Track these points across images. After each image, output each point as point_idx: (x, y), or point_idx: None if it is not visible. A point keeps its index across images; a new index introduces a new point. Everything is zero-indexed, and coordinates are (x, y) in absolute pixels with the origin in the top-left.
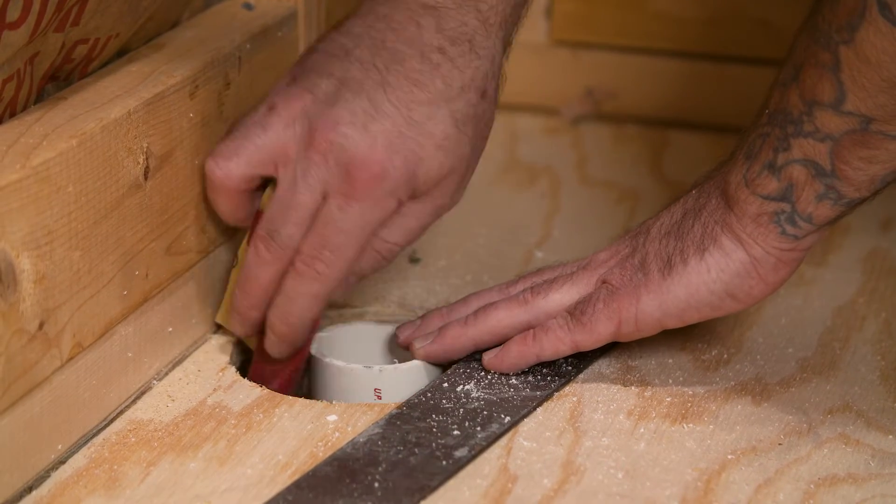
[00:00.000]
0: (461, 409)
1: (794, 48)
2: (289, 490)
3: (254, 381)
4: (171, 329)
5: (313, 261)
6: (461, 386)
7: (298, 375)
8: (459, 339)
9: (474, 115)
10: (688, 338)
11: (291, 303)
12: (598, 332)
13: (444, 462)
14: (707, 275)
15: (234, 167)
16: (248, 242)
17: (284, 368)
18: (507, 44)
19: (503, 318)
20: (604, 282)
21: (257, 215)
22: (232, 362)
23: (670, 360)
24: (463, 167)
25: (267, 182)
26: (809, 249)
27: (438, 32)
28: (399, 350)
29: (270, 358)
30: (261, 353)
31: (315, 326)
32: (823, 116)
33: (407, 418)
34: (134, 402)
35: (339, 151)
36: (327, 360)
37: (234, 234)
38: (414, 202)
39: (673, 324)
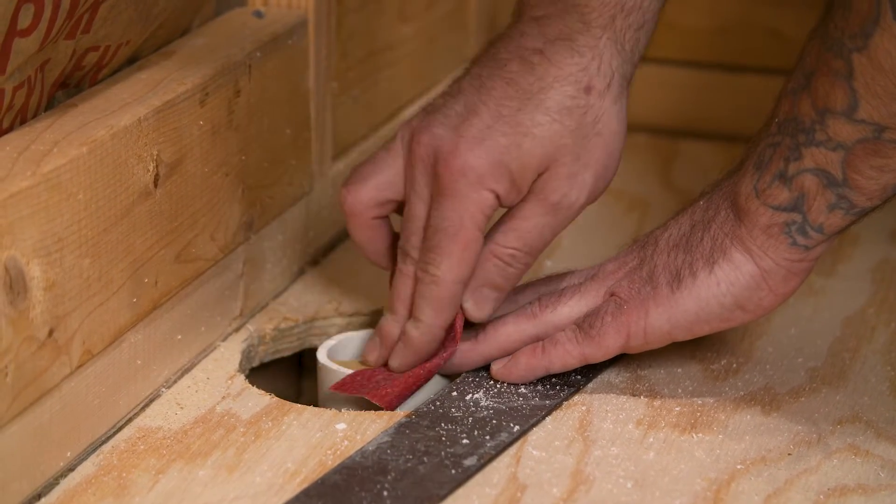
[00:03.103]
0: (470, 418)
1: (804, 55)
2: (297, 498)
3: (349, 386)
4: (180, 337)
5: (425, 265)
6: (470, 395)
7: (413, 390)
8: (468, 354)
9: (574, 108)
10: (697, 347)
11: (417, 308)
12: (606, 345)
13: (453, 471)
14: (717, 288)
15: (360, 190)
16: None
17: (400, 378)
18: (623, 47)
19: (511, 333)
20: (612, 294)
21: None
22: (241, 370)
23: (679, 370)
24: (567, 160)
25: None
26: (818, 259)
27: (540, 37)
28: None
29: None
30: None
31: (450, 346)
32: (836, 125)
33: (416, 427)
34: (143, 409)
35: (432, 153)
36: (336, 368)
37: (244, 242)
38: (524, 202)
39: (682, 336)
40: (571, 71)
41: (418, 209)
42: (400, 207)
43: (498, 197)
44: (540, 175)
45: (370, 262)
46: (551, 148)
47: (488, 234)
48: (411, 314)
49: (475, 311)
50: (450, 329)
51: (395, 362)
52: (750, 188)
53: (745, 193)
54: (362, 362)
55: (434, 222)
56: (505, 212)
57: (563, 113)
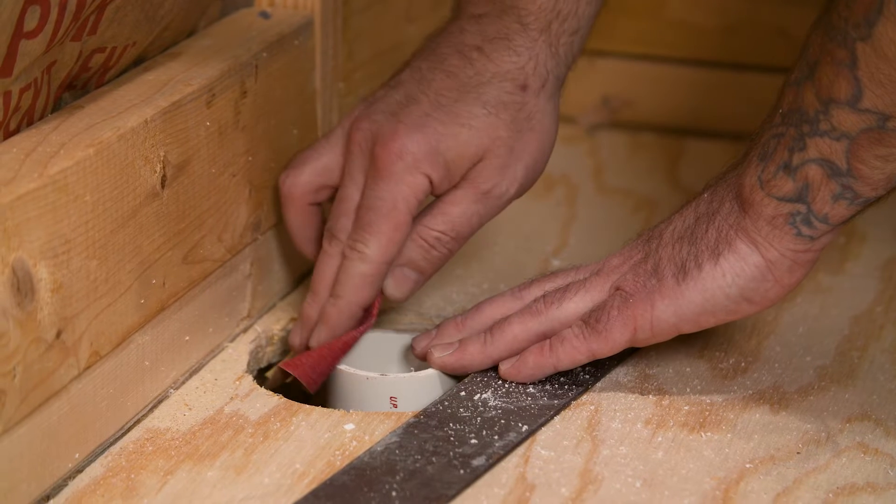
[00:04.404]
0: (479, 418)
1: (807, 46)
2: (306, 499)
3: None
4: (187, 338)
5: (354, 242)
6: (478, 395)
7: (331, 361)
8: (478, 356)
9: (510, 103)
10: (705, 346)
11: (340, 285)
12: (613, 339)
13: (461, 471)
14: (722, 279)
15: (299, 175)
16: None
17: (314, 351)
18: (557, 51)
19: (518, 332)
20: (617, 288)
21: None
22: (249, 371)
23: (688, 369)
24: (501, 152)
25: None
26: (823, 249)
27: (479, 35)
28: (415, 359)
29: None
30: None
31: (366, 322)
32: (840, 114)
33: (424, 427)
34: (151, 410)
35: (370, 138)
36: (344, 368)
37: (251, 242)
38: (455, 189)
39: (688, 329)
40: (509, 69)
41: (350, 192)
42: (334, 195)
43: (431, 183)
44: (474, 165)
45: (297, 248)
46: (487, 140)
47: (417, 218)
48: (331, 293)
49: (394, 290)
50: (368, 308)
51: (312, 341)
52: (754, 179)
53: (750, 185)
54: (289, 348)
55: (367, 202)
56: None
57: (500, 107)
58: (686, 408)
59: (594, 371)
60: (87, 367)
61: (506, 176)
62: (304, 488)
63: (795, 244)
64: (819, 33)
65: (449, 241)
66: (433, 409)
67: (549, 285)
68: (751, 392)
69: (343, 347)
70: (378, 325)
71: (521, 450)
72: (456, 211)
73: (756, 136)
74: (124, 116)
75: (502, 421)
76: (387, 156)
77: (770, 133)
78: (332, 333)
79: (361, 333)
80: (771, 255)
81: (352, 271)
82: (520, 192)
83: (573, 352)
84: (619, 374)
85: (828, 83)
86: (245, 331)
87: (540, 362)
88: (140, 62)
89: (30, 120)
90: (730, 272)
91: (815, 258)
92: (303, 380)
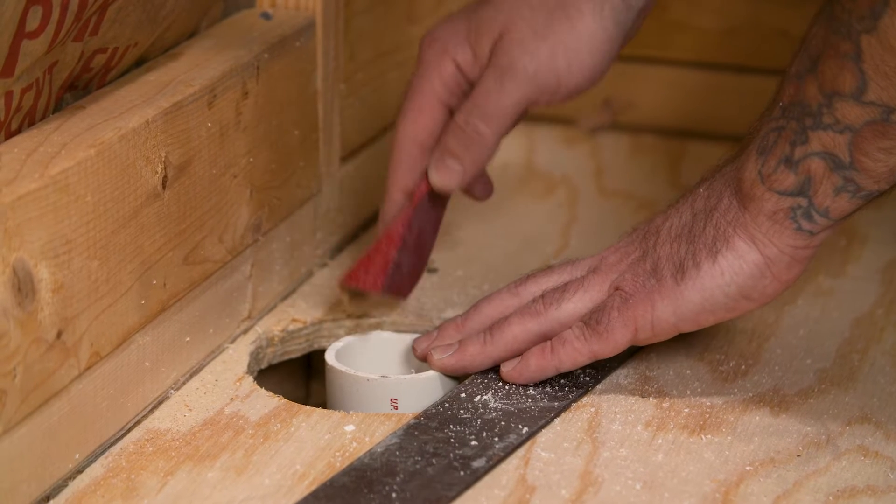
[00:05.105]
0: (479, 420)
1: (808, 39)
2: (306, 500)
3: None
4: (188, 339)
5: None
6: (479, 396)
7: (382, 258)
8: (478, 356)
9: None
10: (706, 349)
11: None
12: (614, 340)
13: (461, 473)
14: (721, 278)
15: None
16: None
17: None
18: None
19: (518, 333)
20: (616, 288)
21: None
22: (249, 372)
23: (688, 371)
24: (521, 27)
25: None
26: (820, 246)
27: None
28: (416, 360)
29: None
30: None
31: (405, 210)
32: (844, 107)
33: (424, 428)
34: (151, 411)
35: None
36: (344, 370)
37: (252, 244)
38: (483, 71)
39: (688, 328)
40: None
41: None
42: None
43: (460, 67)
44: (496, 42)
45: None
46: (504, 16)
47: None
48: None
49: (435, 177)
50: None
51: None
52: (754, 174)
53: (750, 179)
54: None
55: (407, 90)
56: None
57: None
58: (686, 410)
59: (595, 373)
60: (88, 368)
61: (526, 51)
62: (304, 489)
63: (795, 240)
64: (821, 26)
65: (476, 122)
66: (433, 411)
67: (545, 282)
68: (751, 394)
69: (388, 241)
70: (378, 326)
71: (521, 451)
72: (479, 90)
73: (754, 129)
74: (126, 117)
75: (502, 423)
76: (422, 46)
77: (769, 126)
78: (382, 223)
79: (402, 223)
80: (769, 251)
81: (389, 157)
82: (548, 76)
83: (575, 353)
84: (620, 376)
85: (831, 76)
86: (245, 332)
87: (542, 364)
88: (142, 63)
89: (31, 120)
90: (728, 271)
91: (812, 255)
92: (362, 287)
